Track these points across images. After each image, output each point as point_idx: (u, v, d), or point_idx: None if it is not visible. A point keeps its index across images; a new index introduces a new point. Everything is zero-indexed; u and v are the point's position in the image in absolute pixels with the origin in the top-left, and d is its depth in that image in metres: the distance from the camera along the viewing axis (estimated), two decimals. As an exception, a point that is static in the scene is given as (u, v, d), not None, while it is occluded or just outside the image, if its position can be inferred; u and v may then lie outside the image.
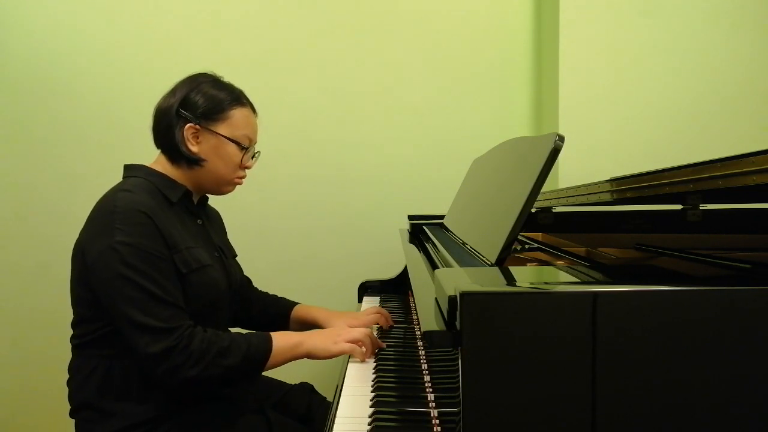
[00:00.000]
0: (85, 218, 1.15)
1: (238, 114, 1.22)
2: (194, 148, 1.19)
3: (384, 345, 1.27)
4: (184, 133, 1.18)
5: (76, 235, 1.16)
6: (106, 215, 1.08)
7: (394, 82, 2.20)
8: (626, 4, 1.93)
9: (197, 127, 1.19)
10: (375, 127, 2.20)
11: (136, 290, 1.04)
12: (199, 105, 1.19)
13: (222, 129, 1.21)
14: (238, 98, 1.24)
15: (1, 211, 2.18)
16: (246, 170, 1.29)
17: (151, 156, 1.26)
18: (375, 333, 1.34)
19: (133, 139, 2.14)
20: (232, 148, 1.22)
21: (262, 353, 1.12)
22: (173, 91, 1.22)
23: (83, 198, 2.14)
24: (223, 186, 1.27)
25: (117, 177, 1.23)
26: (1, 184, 2.18)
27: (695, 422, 0.59)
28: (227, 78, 1.28)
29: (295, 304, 1.50)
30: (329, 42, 2.18)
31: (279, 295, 1.54)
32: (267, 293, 1.54)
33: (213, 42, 2.16)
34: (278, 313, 1.48)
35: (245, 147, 1.24)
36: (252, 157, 1.29)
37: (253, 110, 1.28)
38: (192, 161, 1.20)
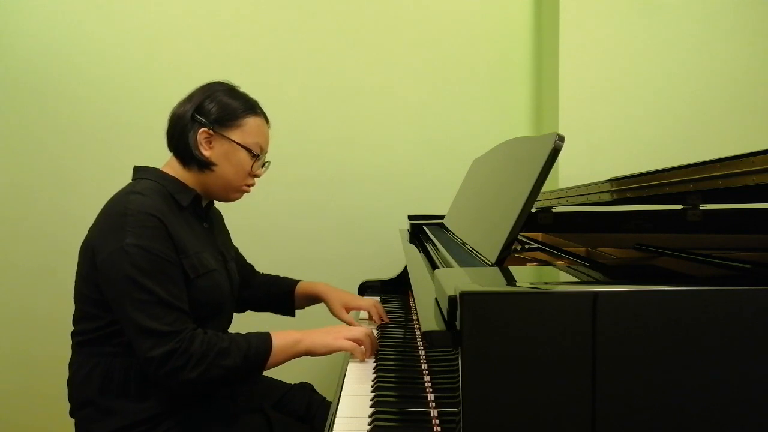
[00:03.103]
0: (85, 217, 1.15)
1: (251, 122, 1.24)
2: (206, 152, 1.21)
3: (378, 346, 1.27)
4: (198, 136, 1.20)
5: (76, 235, 1.16)
6: (119, 217, 1.09)
7: (394, 82, 2.20)
8: (626, 4, 1.93)
9: (210, 132, 1.20)
10: (375, 127, 2.20)
11: (142, 293, 1.04)
12: (213, 111, 1.21)
13: (234, 135, 1.22)
14: (252, 107, 1.25)
15: (1, 211, 2.18)
16: (255, 179, 1.29)
17: (151, 156, 1.26)
18: (375, 333, 1.34)
19: (133, 139, 2.15)
20: (243, 154, 1.23)
21: (262, 352, 1.13)
22: (189, 98, 1.23)
23: (83, 198, 2.17)
24: (231, 192, 1.28)
25: (117, 177, 1.23)
26: (1, 184, 2.18)
27: (695, 422, 0.59)
28: (226, 77, 1.29)
29: (297, 281, 1.57)
30: (329, 42, 2.18)
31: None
32: (270, 275, 1.60)
33: (212, 42, 2.16)
34: (283, 291, 1.55)
35: (256, 154, 1.25)
36: (262, 166, 1.30)
37: (267, 120, 1.29)
38: (203, 165, 1.21)
